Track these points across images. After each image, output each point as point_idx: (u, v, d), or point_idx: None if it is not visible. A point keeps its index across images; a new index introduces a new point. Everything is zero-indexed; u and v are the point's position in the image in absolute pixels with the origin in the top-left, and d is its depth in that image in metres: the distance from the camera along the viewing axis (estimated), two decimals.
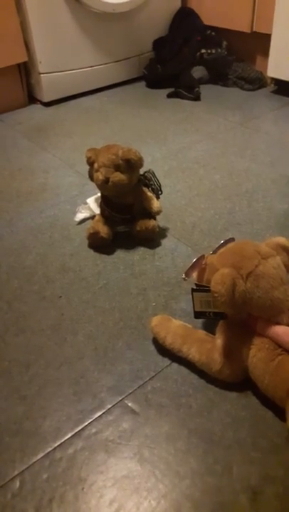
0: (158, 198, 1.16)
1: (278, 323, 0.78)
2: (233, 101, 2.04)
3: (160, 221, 1.21)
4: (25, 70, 2.01)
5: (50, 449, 0.75)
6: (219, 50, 2.17)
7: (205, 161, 1.57)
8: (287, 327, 0.78)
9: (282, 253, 0.82)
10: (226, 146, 1.66)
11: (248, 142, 1.69)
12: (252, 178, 1.46)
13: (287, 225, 1.24)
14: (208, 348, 0.83)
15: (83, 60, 2.07)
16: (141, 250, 1.17)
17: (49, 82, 2.01)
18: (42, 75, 1.97)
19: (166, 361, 0.88)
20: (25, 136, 1.81)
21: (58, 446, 0.76)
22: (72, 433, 0.77)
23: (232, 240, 0.90)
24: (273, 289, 0.77)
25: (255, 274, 0.77)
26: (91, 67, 2.11)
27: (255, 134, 1.74)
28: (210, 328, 0.90)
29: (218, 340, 0.83)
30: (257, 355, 0.78)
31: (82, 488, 0.70)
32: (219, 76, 2.20)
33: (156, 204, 1.14)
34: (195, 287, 0.84)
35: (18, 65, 1.97)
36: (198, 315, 0.87)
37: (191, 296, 0.85)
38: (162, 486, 0.70)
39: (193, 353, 0.84)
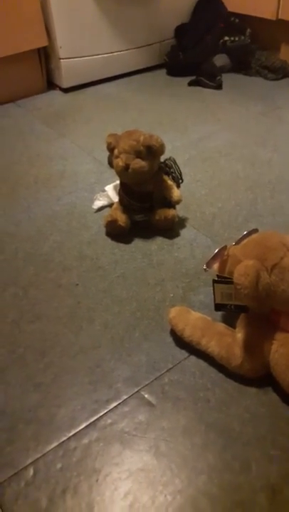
0: (178, 186, 1.14)
1: None
2: (255, 90, 1.99)
3: (179, 211, 1.19)
4: (45, 55, 1.99)
5: (64, 438, 0.74)
6: (242, 38, 2.12)
7: (226, 150, 1.54)
8: None
9: None
10: (247, 136, 1.62)
11: (271, 132, 1.64)
12: (275, 169, 1.42)
13: None
14: (228, 341, 0.81)
15: (104, 46, 2.04)
16: (159, 240, 1.15)
17: (69, 68, 1.98)
18: (62, 61, 1.95)
19: (184, 354, 0.86)
20: (43, 122, 1.79)
21: (72, 435, 0.74)
22: (87, 423, 0.76)
23: (256, 230, 0.87)
24: None
25: (280, 267, 0.74)
26: (111, 53, 2.07)
27: (278, 125, 1.70)
28: (229, 322, 0.87)
29: (239, 335, 0.81)
30: (279, 351, 0.76)
31: (97, 480, 0.69)
32: (242, 64, 2.15)
33: (176, 193, 1.11)
34: (216, 278, 0.82)
35: (38, 49, 1.95)
36: (218, 307, 0.84)
37: (210, 287, 0.83)
38: (178, 481, 0.68)
39: (212, 346, 0.82)
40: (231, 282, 0.75)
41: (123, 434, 0.74)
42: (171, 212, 1.13)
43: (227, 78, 2.09)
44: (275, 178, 1.38)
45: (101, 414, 0.77)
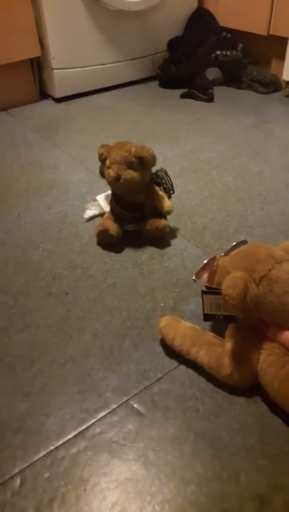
0: (169, 197, 1.15)
1: None
2: (246, 103, 2.02)
3: (170, 221, 1.20)
4: (37, 65, 2.00)
5: (52, 447, 0.74)
6: (234, 52, 2.15)
7: (217, 162, 1.55)
8: None
9: None
10: (238, 149, 1.64)
11: (261, 145, 1.67)
12: (265, 182, 1.44)
13: None
14: (217, 351, 0.81)
15: (97, 58, 2.06)
16: (150, 250, 1.15)
17: (61, 78, 2.00)
18: (54, 71, 1.96)
19: (174, 363, 0.86)
20: (35, 131, 1.79)
21: (60, 445, 0.74)
22: (76, 432, 0.76)
23: (245, 242, 0.88)
24: (286, 294, 0.75)
25: (268, 279, 0.75)
26: (104, 64, 2.09)
27: (269, 138, 1.72)
28: (219, 331, 0.88)
29: (228, 344, 0.81)
30: (267, 361, 0.77)
31: (85, 489, 0.68)
32: (233, 78, 2.19)
33: (167, 203, 1.12)
34: (205, 289, 0.82)
35: (31, 59, 1.96)
36: (207, 317, 0.85)
37: (200, 298, 0.83)
38: (167, 491, 0.68)
39: (202, 356, 0.82)
40: (220, 293, 0.76)
41: (112, 444, 0.74)
42: (162, 222, 1.13)
43: (219, 91, 2.12)
44: (265, 190, 1.40)
45: (90, 423, 0.77)
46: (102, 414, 0.78)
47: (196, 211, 1.30)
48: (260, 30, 2.08)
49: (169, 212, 1.13)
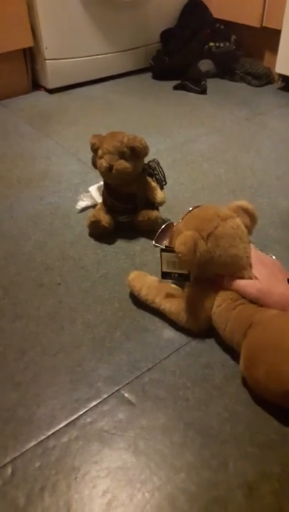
0: (162, 188, 1.15)
1: (241, 278, 0.85)
2: (239, 96, 2.02)
3: (162, 213, 1.20)
4: (30, 56, 1.99)
5: (43, 437, 0.74)
6: (227, 44, 2.15)
7: (210, 154, 1.55)
8: (249, 280, 0.85)
9: (244, 215, 0.89)
10: (231, 141, 1.64)
11: (254, 138, 1.67)
12: (257, 174, 1.44)
13: None
14: (178, 299, 0.90)
15: (90, 48, 2.04)
16: (142, 241, 1.15)
17: (54, 69, 1.99)
18: (47, 62, 1.95)
19: (165, 353, 0.87)
20: (28, 122, 1.78)
21: (51, 434, 0.74)
22: (67, 422, 0.76)
23: (198, 207, 0.93)
24: (232, 247, 0.83)
25: (214, 235, 0.83)
26: (97, 55, 2.08)
27: (261, 130, 1.72)
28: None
29: (187, 293, 0.90)
30: (221, 306, 0.85)
31: (75, 478, 0.69)
32: (226, 70, 2.18)
33: (160, 194, 1.12)
34: (164, 248, 0.91)
35: (24, 50, 1.94)
36: (164, 275, 0.93)
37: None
38: (157, 479, 0.68)
39: (164, 303, 0.91)
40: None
41: (102, 433, 0.75)
42: (154, 213, 1.13)
43: (212, 83, 2.12)
44: (256, 182, 1.40)
45: (81, 413, 0.77)
46: (93, 403, 0.79)
47: (188, 203, 1.29)
48: (254, 22, 2.07)
49: (161, 204, 1.13)
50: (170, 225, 0.95)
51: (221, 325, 0.85)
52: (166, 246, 0.92)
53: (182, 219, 0.90)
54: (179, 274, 0.91)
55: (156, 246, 0.94)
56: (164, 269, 0.92)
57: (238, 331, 0.82)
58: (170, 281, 0.95)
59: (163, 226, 0.95)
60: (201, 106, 1.94)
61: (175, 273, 0.91)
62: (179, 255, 0.82)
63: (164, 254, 0.90)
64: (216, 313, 0.86)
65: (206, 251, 0.82)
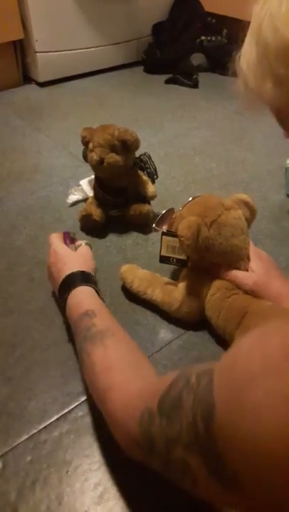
0: (153, 182, 1.14)
1: (238, 269, 0.87)
2: (231, 90, 2.01)
3: (154, 207, 1.19)
4: (21, 49, 1.97)
5: (34, 431, 0.74)
6: (219, 38, 2.14)
7: (201, 148, 1.55)
8: (246, 272, 0.87)
9: (244, 208, 0.91)
10: (222, 135, 1.64)
11: (245, 132, 1.67)
12: (248, 168, 1.44)
13: (282, 215, 1.23)
14: (170, 289, 0.91)
15: (81, 41, 2.03)
16: (134, 235, 1.15)
17: (45, 62, 1.97)
18: (38, 54, 1.93)
19: (156, 347, 0.87)
20: (18, 116, 1.77)
21: (43, 428, 0.74)
22: (58, 415, 0.76)
23: (199, 196, 0.94)
24: (233, 237, 0.85)
25: (217, 222, 0.84)
26: (88, 48, 2.07)
27: (253, 124, 1.72)
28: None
29: (181, 283, 0.90)
30: (215, 294, 0.86)
31: (67, 471, 0.69)
32: (218, 64, 2.18)
33: (151, 188, 1.12)
34: (165, 231, 0.92)
35: (14, 42, 1.93)
36: (163, 259, 0.94)
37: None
38: (149, 471, 0.69)
39: (156, 293, 0.92)
40: (177, 235, 0.85)
41: (94, 427, 0.75)
42: (146, 207, 1.13)
43: (203, 77, 2.11)
44: (248, 176, 1.40)
45: (72, 406, 0.77)
46: (85, 397, 0.79)
47: (180, 197, 1.30)
48: (245, 16, 2.06)
49: (152, 198, 1.13)
50: (171, 211, 0.96)
51: (214, 313, 0.85)
52: (167, 230, 0.92)
53: (182, 208, 0.92)
54: (177, 260, 0.92)
55: (156, 230, 0.94)
56: (163, 253, 0.93)
57: (231, 320, 0.82)
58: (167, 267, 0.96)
59: (163, 212, 0.96)
60: (193, 100, 1.93)
61: (174, 258, 0.93)
62: (182, 239, 0.82)
63: (165, 237, 0.91)
64: (209, 301, 0.86)
65: (207, 237, 0.83)
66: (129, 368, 0.61)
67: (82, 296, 0.78)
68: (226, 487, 0.32)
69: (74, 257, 0.89)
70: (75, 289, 0.79)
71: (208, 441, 0.32)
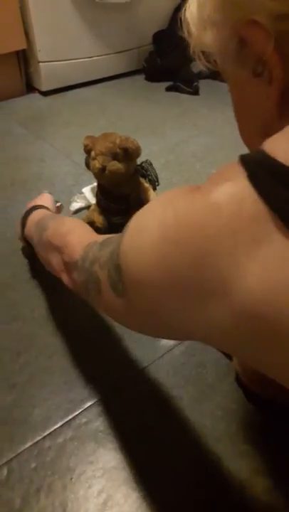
0: (155, 189, 1.15)
1: None
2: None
3: None
4: (24, 58, 1.99)
5: (39, 437, 0.74)
6: None
7: (202, 155, 1.56)
8: None
9: None
10: (223, 141, 1.65)
11: None
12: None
13: None
14: None
15: (83, 50, 2.05)
16: None
17: (48, 71, 1.99)
18: (41, 64, 1.95)
19: (159, 353, 0.88)
20: (21, 124, 1.79)
21: (47, 435, 0.75)
22: (62, 422, 0.76)
23: None
24: None
25: None
26: (90, 57, 2.09)
27: None
28: None
29: None
30: None
31: (71, 478, 0.69)
32: (218, 71, 2.19)
33: (152, 195, 1.13)
34: None
35: (17, 52, 1.95)
36: None
37: None
38: (152, 478, 0.69)
39: None
40: None
41: (97, 433, 0.75)
42: None
43: (204, 84, 2.13)
44: None
45: (76, 413, 0.78)
46: (88, 404, 0.79)
47: None
48: None
49: None
50: None
51: None
52: None
53: None
54: None
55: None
56: None
57: None
58: None
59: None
60: (194, 107, 1.95)
61: None
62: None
63: None
64: None
65: None
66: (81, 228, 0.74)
67: (33, 217, 0.95)
68: (117, 293, 0.46)
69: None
70: (31, 213, 0.97)
71: (116, 260, 0.45)
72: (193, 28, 0.45)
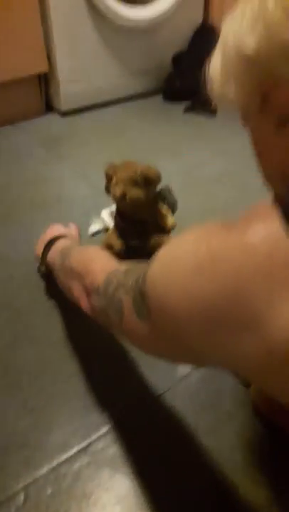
0: (173, 213, 1.17)
1: None
2: None
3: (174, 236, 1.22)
4: (44, 79, 2.04)
5: (55, 463, 0.75)
6: None
7: (219, 177, 1.57)
8: None
9: None
10: (240, 163, 1.66)
11: None
12: (266, 197, 1.45)
13: None
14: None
15: (103, 72, 2.09)
16: None
17: (68, 92, 2.03)
18: (61, 85, 2.00)
19: (175, 379, 0.88)
20: (41, 145, 1.82)
21: (63, 460, 0.76)
22: (79, 448, 0.77)
23: None
24: None
25: None
26: (110, 79, 2.13)
27: None
28: None
29: None
30: None
31: (87, 505, 0.70)
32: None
33: (171, 221, 1.14)
34: None
35: (39, 74, 2.00)
36: None
37: None
38: (167, 505, 0.69)
39: None
40: None
41: (114, 459, 0.76)
42: (165, 238, 1.15)
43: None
44: None
45: (93, 438, 0.79)
46: (105, 429, 0.80)
47: None
48: None
49: (172, 227, 1.16)
50: None
51: None
52: None
53: None
54: None
55: None
56: None
57: None
58: None
59: None
60: (211, 128, 1.97)
61: None
62: None
63: None
64: None
65: None
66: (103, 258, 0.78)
67: (58, 245, 0.99)
68: (141, 317, 0.49)
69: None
70: (54, 245, 1.00)
71: (141, 286, 0.48)
72: (216, 84, 0.47)
